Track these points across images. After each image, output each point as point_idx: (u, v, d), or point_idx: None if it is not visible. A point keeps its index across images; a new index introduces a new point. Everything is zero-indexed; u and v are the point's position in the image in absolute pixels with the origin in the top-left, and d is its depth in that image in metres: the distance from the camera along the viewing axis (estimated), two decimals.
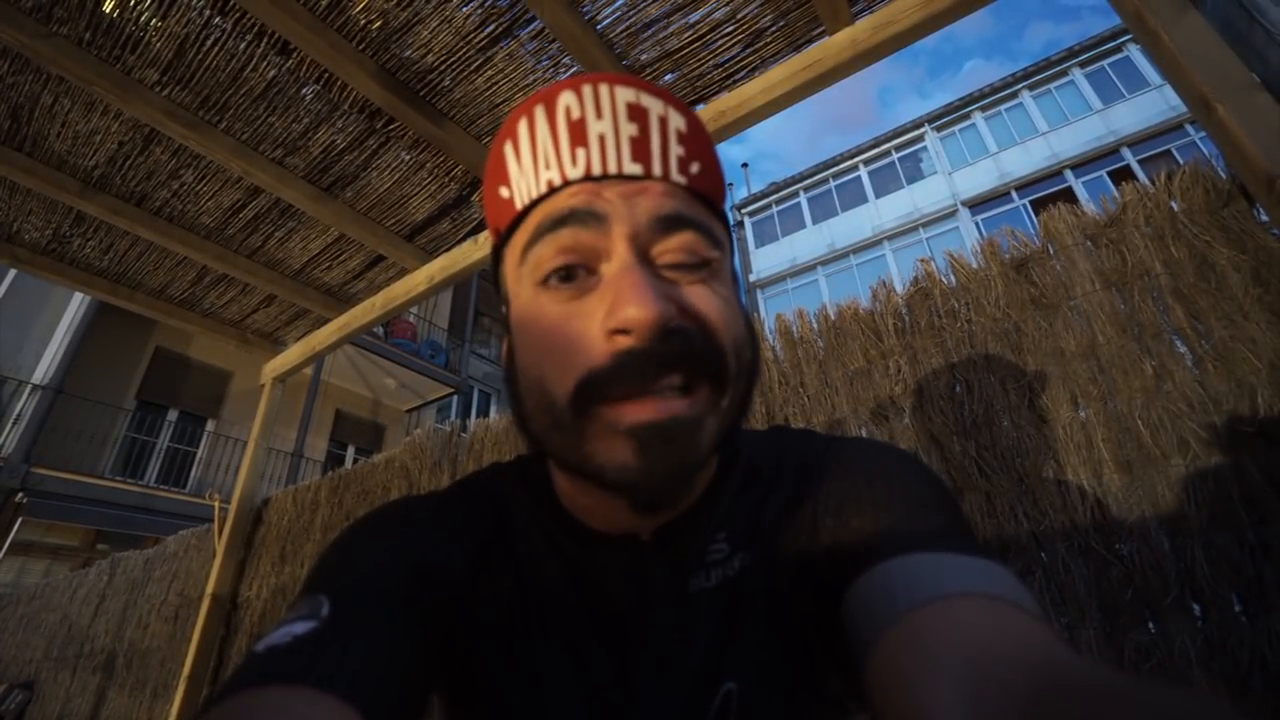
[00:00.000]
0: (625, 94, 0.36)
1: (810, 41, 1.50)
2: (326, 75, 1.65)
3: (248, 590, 2.58)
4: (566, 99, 0.36)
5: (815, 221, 16.91)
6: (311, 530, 2.48)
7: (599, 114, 0.36)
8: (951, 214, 14.74)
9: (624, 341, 0.33)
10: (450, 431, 2.25)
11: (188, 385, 9.59)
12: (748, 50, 1.54)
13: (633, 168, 0.36)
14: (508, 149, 0.38)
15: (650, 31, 1.51)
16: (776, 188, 18.05)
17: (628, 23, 1.49)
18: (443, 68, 1.60)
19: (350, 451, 11.44)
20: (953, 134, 15.81)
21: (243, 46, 1.58)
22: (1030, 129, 14.49)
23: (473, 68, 1.60)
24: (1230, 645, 0.98)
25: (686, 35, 1.51)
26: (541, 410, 0.36)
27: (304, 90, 1.69)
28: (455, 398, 12.01)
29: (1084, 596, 1.10)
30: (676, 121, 0.37)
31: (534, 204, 0.38)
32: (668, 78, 1.61)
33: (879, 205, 16.01)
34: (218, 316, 2.72)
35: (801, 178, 17.71)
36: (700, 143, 0.39)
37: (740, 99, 1.54)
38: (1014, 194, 14.14)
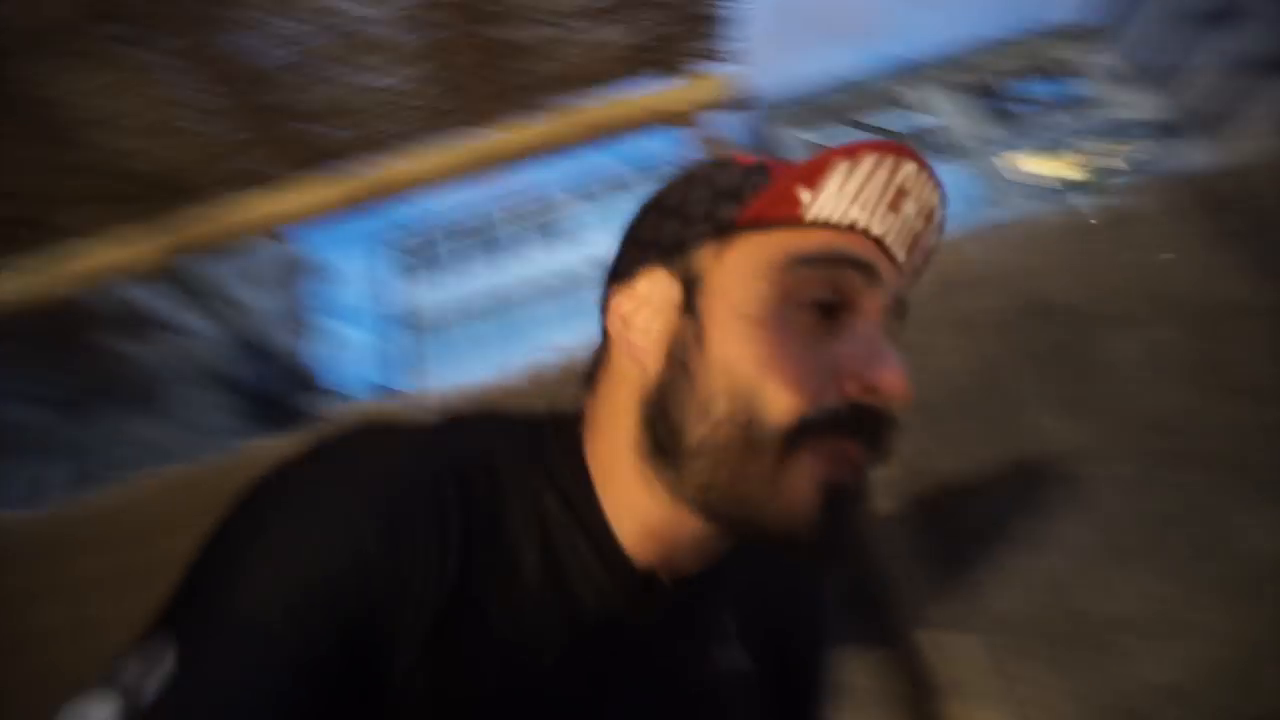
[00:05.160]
0: (934, 198, 0.38)
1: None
2: None
3: None
4: (909, 169, 0.36)
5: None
6: None
7: (917, 199, 0.37)
8: None
9: (869, 399, 0.35)
10: None
11: None
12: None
13: (902, 255, 0.39)
14: (841, 165, 0.36)
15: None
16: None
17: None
18: None
19: None
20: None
21: None
22: None
23: None
24: None
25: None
26: (737, 421, 0.34)
27: None
28: None
29: None
30: (933, 239, 0.40)
31: (824, 225, 0.37)
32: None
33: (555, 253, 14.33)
34: None
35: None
36: (926, 263, 0.42)
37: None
38: None
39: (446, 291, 14.64)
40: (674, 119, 1.42)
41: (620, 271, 0.42)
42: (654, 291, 0.39)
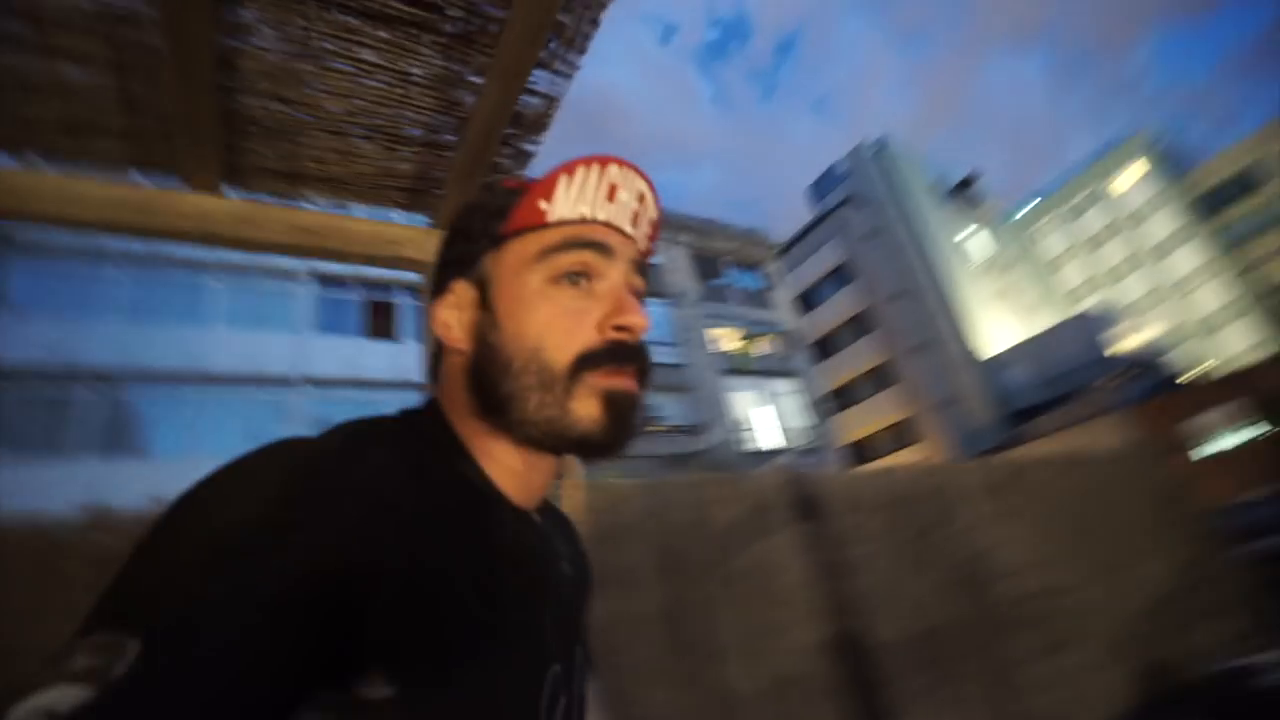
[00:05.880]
0: (640, 184, 0.52)
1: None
2: None
3: None
4: (614, 169, 0.50)
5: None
6: None
7: (627, 188, 0.51)
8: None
9: (619, 335, 0.48)
10: None
11: None
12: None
13: (629, 229, 0.53)
14: (563, 178, 0.49)
15: None
16: None
17: None
18: None
19: None
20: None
21: None
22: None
23: None
24: None
25: None
26: (531, 372, 0.47)
27: None
28: None
29: None
30: (652, 212, 0.55)
31: (562, 223, 0.50)
32: None
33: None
34: None
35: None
36: (655, 230, 0.57)
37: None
38: None
39: None
40: (422, 268, 1.33)
41: (438, 289, 0.54)
42: (460, 298, 0.52)
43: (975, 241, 29.57)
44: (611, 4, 1.08)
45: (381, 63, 1.12)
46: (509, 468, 0.50)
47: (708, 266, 18.54)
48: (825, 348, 26.52)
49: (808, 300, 27.37)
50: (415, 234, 1.36)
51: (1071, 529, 3.09)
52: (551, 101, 1.20)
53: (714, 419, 15.64)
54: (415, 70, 1.14)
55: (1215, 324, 30.78)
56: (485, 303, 0.50)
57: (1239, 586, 3.75)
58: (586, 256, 0.49)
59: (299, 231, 1.23)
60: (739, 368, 17.05)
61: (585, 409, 0.47)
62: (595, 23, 1.08)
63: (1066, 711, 2.41)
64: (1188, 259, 32.00)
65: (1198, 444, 14.06)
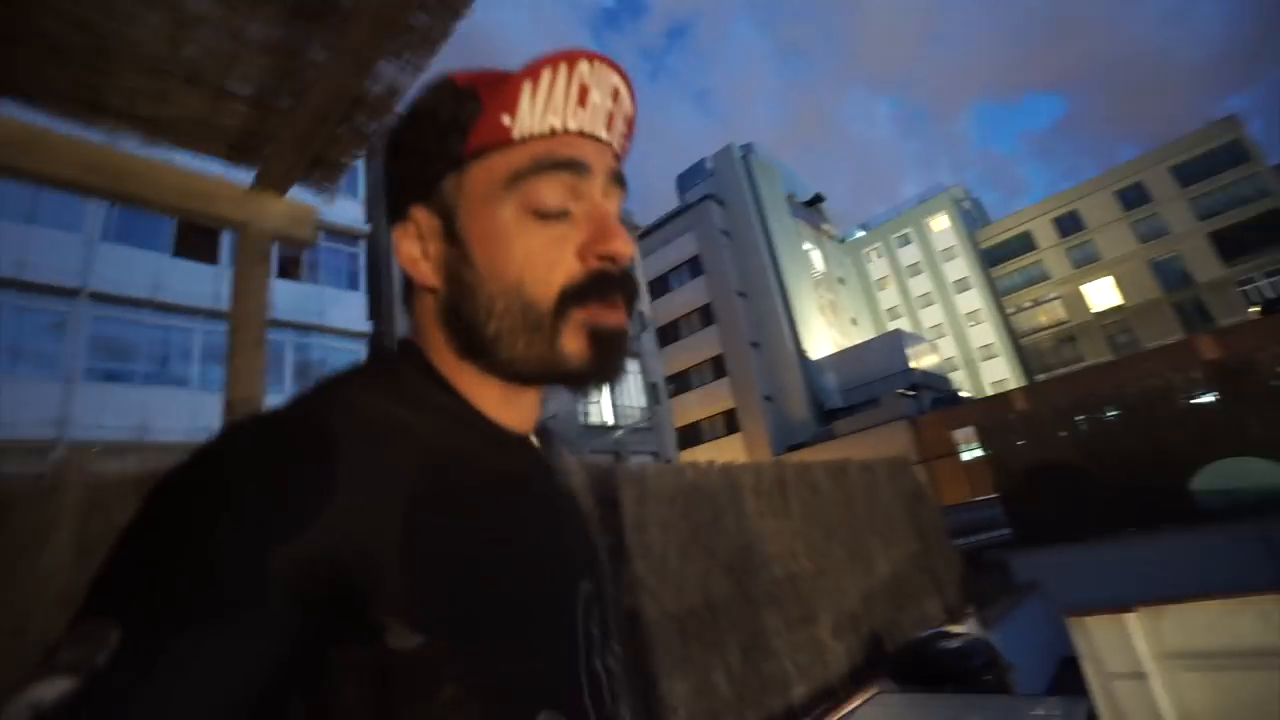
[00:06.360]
0: (614, 78, 0.46)
1: None
2: None
3: None
4: (583, 67, 0.44)
5: None
6: None
7: (599, 87, 0.45)
8: None
9: (604, 265, 0.44)
10: None
11: None
12: None
13: (603, 134, 0.47)
14: (526, 85, 0.42)
15: None
16: None
17: None
18: None
19: None
20: None
21: None
22: None
23: None
24: None
25: None
26: (514, 311, 0.43)
27: None
28: None
29: None
30: (627, 108, 0.49)
31: (530, 138, 0.43)
32: None
33: None
34: None
35: None
36: (630, 127, 0.51)
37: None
38: None
39: None
40: (235, 225, 1.27)
41: (393, 213, 0.48)
42: (422, 227, 0.46)
43: (816, 254, 32.59)
44: (466, 16, 1.13)
45: (212, 14, 1.07)
46: (497, 399, 0.47)
47: None
48: (670, 333, 27.77)
49: (660, 285, 28.37)
50: (234, 193, 1.31)
51: (829, 524, 3.70)
52: (395, 92, 1.22)
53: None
54: (253, 31, 1.10)
55: (986, 355, 37.08)
56: (452, 234, 0.45)
57: (952, 573, 4.73)
58: (563, 179, 0.44)
59: (90, 169, 1.14)
60: None
61: (574, 345, 0.44)
62: (446, 33, 1.13)
63: (809, 671, 2.93)
64: (972, 299, 38.10)
65: (961, 452, 17.30)
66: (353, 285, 13.54)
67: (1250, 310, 25.62)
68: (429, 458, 0.41)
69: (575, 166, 0.44)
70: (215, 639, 0.28)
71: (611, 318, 0.45)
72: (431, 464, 0.40)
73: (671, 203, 34.87)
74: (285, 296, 11.69)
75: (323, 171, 1.36)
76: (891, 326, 36.00)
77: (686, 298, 28.18)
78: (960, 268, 39.11)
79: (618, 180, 0.48)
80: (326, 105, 1.18)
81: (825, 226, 35.51)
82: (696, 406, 27.20)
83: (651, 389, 18.68)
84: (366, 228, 13.78)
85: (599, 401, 16.89)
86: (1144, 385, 5.10)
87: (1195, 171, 31.11)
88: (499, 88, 0.43)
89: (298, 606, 0.31)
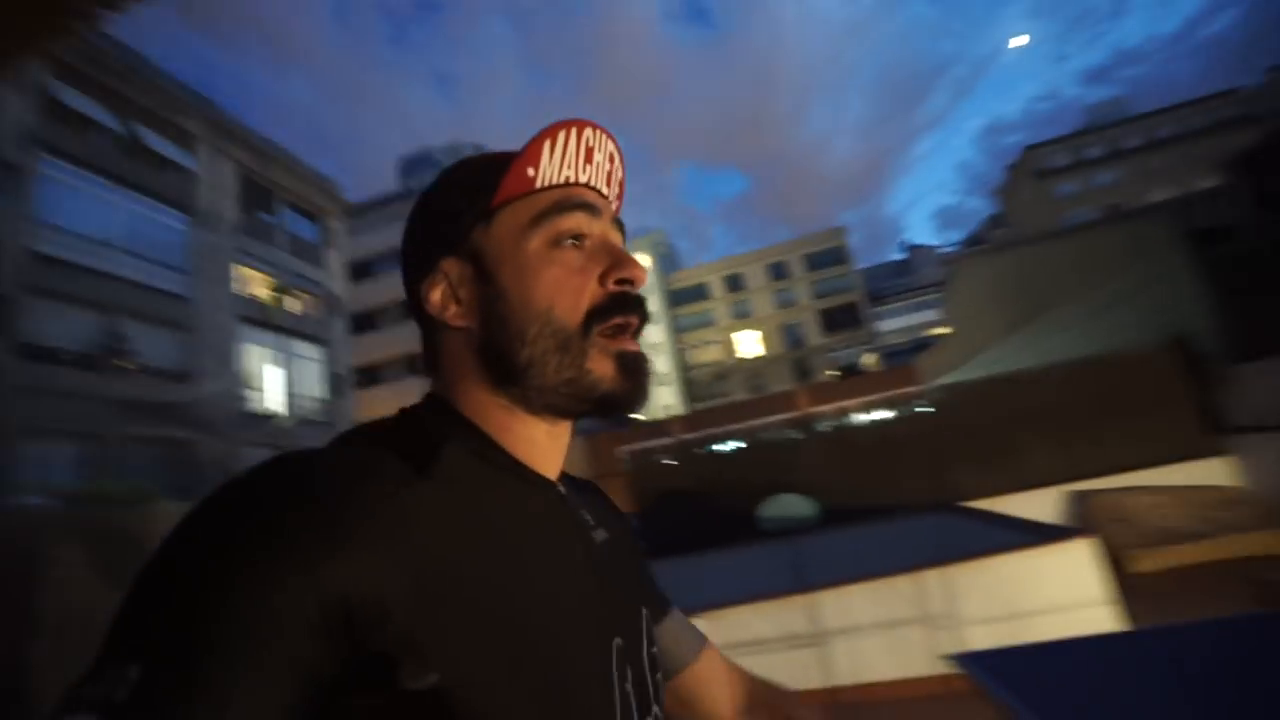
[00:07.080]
0: (610, 145, 0.55)
1: None
2: None
3: None
4: (588, 132, 0.52)
5: None
6: None
7: (600, 149, 0.54)
8: None
9: (624, 288, 0.51)
10: None
11: None
12: None
13: (604, 189, 0.55)
14: (546, 145, 0.50)
15: None
16: None
17: None
18: None
19: None
20: None
21: None
22: None
23: None
24: None
25: None
26: (546, 335, 0.48)
27: None
28: None
29: None
30: (619, 173, 0.57)
31: (549, 188, 0.51)
32: None
33: None
34: None
35: None
36: (622, 189, 0.59)
37: None
38: None
39: None
40: None
41: (418, 271, 0.53)
42: (450, 275, 0.51)
43: None
44: None
45: None
46: (530, 439, 0.51)
47: (259, 197, 15.71)
48: (366, 322, 25.56)
49: (364, 270, 25.99)
50: None
51: None
52: None
53: (215, 368, 13.16)
54: None
55: (661, 382, 42.96)
56: (484, 276, 0.50)
57: None
58: (579, 218, 0.51)
59: None
60: (261, 319, 14.87)
61: (601, 368, 0.49)
62: None
63: None
64: (657, 333, 43.96)
65: (626, 470, 19.55)
66: None
67: (828, 374, 34.96)
68: (451, 499, 0.43)
69: (589, 207, 0.52)
70: (234, 676, 0.29)
71: (632, 346, 0.51)
72: (453, 505, 0.42)
73: (389, 183, 32.31)
74: None
75: None
76: None
77: (393, 287, 26.33)
78: (651, 304, 44.52)
79: (619, 225, 0.56)
80: None
81: None
82: (386, 403, 25.36)
83: (335, 380, 16.88)
84: None
85: (264, 389, 14.60)
86: (750, 425, 6.73)
87: (817, 261, 41.16)
88: (524, 152, 0.51)
89: (316, 645, 0.32)
